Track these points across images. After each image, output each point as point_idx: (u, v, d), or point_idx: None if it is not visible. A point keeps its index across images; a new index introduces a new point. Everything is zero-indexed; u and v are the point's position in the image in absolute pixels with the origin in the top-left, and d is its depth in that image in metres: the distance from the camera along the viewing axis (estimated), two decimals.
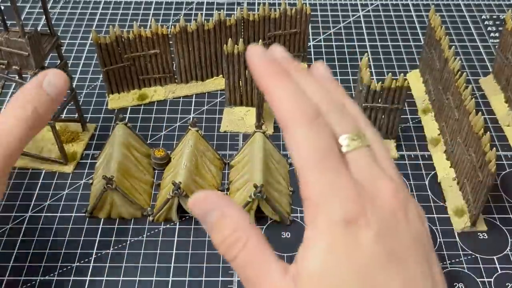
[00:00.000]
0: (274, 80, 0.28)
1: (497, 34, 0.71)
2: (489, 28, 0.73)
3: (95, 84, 0.62)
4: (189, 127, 0.51)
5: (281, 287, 0.27)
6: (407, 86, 0.50)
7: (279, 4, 0.77)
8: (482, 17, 0.75)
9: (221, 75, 0.61)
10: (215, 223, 0.29)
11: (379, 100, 0.51)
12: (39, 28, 0.70)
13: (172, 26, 0.56)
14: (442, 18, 0.74)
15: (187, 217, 0.48)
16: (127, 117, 0.58)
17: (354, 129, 0.30)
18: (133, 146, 0.51)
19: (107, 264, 0.45)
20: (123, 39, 0.56)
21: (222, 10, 0.65)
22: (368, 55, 0.52)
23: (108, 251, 0.46)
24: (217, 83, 0.61)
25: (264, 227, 0.48)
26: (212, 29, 0.57)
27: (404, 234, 0.28)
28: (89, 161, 0.53)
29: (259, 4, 0.76)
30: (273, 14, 0.58)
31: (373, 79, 0.61)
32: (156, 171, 0.52)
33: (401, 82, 0.50)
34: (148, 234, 0.47)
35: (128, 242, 0.46)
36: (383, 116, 0.52)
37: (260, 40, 0.54)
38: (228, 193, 0.50)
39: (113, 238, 0.47)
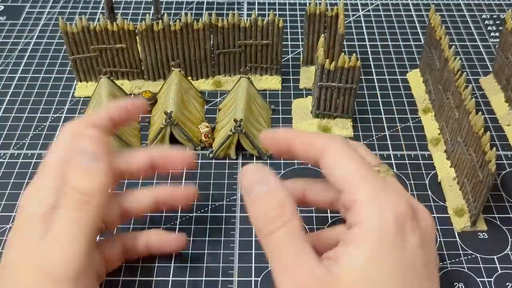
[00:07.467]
0: None
1: (497, 34, 0.71)
2: (489, 28, 0.73)
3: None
4: (172, 68, 0.56)
5: (317, 273, 0.27)
6: (359, 66, 0.51)
7: (280, 5, 0.77)
8: (482, 17, 0.75)
9: (189, 78, 0.61)
10: (263, 195, 0.29)
11: (334, 80, 0.52)
12: (40, 22, 0.71)
13: (139, 23, 0.57)
14: (442, 18, 0.74)
15: (187, 217, 0.48)
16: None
17: (378, 161, 0.34)
18: (118, 97, 0.55)
19: None
20: (89, 31, 0.57)
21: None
22: (324, 36, 0.54)
23: None
24: None
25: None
26: (179, 31, 0.57)
27: (434, 253, 0.30)
28: None
29: (259, 4, 0.76)
30: (243, 23, 0.57)
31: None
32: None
33: (353, 62, 0.51)
34: None
35: None
36: (339, 95, 0.54)
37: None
38: (214, 131, 0.55)
39: None
